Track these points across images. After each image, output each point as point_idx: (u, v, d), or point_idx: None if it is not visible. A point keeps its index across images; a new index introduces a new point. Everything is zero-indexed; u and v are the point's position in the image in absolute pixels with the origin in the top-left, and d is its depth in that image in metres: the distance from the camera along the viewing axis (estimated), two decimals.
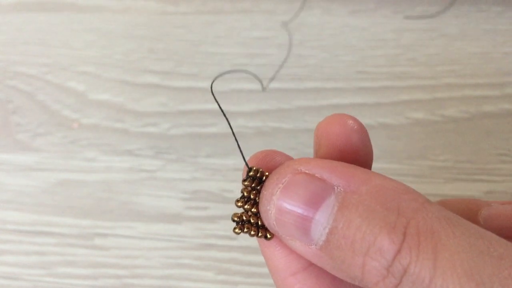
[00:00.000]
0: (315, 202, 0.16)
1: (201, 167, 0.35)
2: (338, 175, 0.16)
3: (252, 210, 0.18)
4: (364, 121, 0.36)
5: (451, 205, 0.20)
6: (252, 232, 0.18)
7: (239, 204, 0.18)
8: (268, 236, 0.18)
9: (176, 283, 0.32)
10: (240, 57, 0.39)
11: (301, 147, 0.35)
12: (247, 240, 0.33)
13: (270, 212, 0.17)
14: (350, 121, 0.18)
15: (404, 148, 0.35)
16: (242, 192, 0.18)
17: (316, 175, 0.16)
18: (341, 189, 0.16)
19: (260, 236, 0.18)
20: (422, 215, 0.15)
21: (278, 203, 0.17)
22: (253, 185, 0.18)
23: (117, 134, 0.37)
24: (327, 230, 0.16)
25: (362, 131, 0.18)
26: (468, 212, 0.20)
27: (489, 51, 0.39)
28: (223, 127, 0.37)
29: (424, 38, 0.39)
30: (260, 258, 0.32)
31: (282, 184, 0.17)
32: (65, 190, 0.35)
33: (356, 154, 0.18)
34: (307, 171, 0.16)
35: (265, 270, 0.32)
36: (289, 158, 0.19)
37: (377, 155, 0.35)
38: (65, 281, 0.33)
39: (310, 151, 0.35)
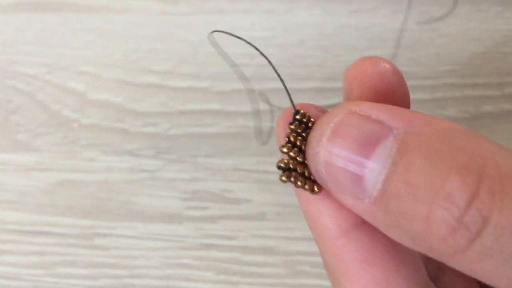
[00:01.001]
0: (370, 144, 0.14)
1: (201, 167, 0.35)
2: (397, 117, 0.14)
3: (298, 158, 0.16)
4: None
5: None
6: (299, 183, 0.16)
7: (285, 149, 0.16)
8: (316, 189, 0.16)
9: (176, 283, 0.32)
10: (240, 57, 0.39)
11: None
12: (247, 240, 0.33)
13: (319, 155, 0.15)
14: (384, 63, 0.17)
15: None
16: (287, 137, 0.16)
17: (372, 116, 0.14)
18: (401, 130, 0.13)
19: (307, 189, 0.16)
20: (501, 155, 0.12)
21: (328, 145, 0.14)
22: (299, 130, 0.16)
23: (117, 134, 0.37)
24: (383, 176, 0.13)
25: (397, 72, 0.17)
26: None
27: (489, 51, 0.39)
28: (223, 127, 0.37)
29: (424, 38, 0.39)
30: (260, 258, 0.32)
31: (334, 123, 0.14)
32: (65, 190, 0.35)
33: (393, 97, 0.17)
34: (362, 113, 0.14)
35: (265, 270, 0.32)
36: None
37: None
38: (65, 281, 0.33)
39: None
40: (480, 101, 0.36)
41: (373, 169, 0.13)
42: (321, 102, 0.37)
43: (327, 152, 0.14)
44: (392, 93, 0.16)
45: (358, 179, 0.14)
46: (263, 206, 0.34)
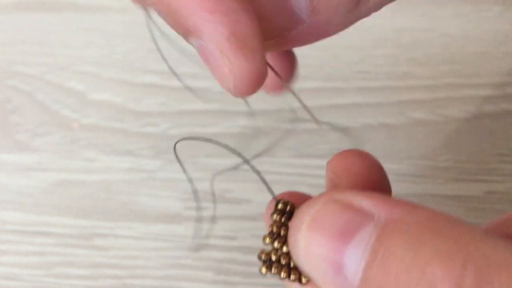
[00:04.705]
0: (349, 231, 0.13)
1: (201, 167, 0.35)
2: (379, 204, 0.14)
3: (283, 249, 0.16)
4: (365, 121, 0.36)
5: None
6: (283, 274, 0.16)
7: (267, 241, 0.16)
8: (303, 280, 0.15)
9: (176, 283, 0.32)
10: None
11: (300, 147, 0.35)
12: (247, 240, 0.33)
13: (299, 243, 0.15)
14: (371, 157, 0.17)
15: (405, 148, 0.35)
16: (270, 227, 0.16)
17: (354, 203, 0.14)
18: (382, 218, 0.13)
19: (293, 280, 0.15)
20: (486, 245, 0.12)
21: (307, 233, 0.14)
22: (283, 220, 0.16)
23: (117, 134, 0.37)
24: (363, 265, 0.13)
25: (379, 164, 0.17)
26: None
27: (489, 51, 0.39)
28: (223, 127, 0.37)
29: (424, 38, 0.39)
30: None
31: (314, 211, 0.15)
32: (65, 190, 0.35)
33: (379, 187, 0.17)
34: (342, 199, 0.14)
35: None
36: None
37: (377, 155, 0.35)
38: (64, 282, 0.33)
39: (309, 151, 0.35)
40: (480, 101, 0.36)
41: (353, 257, 0.13)
42: (321, 102, 0.37)
43: (307, 240, 0.14)
44: (378, 183, 0.17)
45: (338, 268, 0.13)
46: (263, 206, 0.34)
